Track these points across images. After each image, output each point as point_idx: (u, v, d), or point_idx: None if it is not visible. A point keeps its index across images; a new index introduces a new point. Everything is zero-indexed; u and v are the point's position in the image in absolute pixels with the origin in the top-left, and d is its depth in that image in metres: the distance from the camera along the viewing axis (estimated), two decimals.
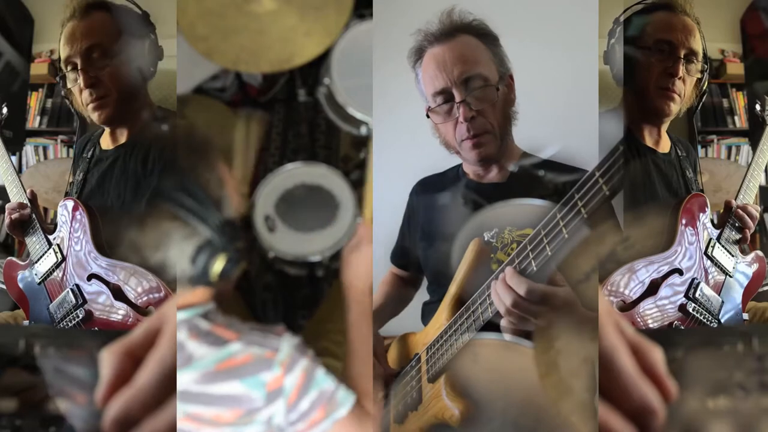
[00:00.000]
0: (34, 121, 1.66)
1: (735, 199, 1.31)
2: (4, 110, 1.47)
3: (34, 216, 1.33)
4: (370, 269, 1.01)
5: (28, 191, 1.35)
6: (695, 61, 1.28)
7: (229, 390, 0.78)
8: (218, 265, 0.80)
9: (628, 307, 1.18)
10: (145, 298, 1.19)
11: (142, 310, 1.18)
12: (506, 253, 1.04)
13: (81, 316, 1.21)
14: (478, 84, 1.11)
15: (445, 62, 1.12)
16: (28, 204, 1.33)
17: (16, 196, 1.35)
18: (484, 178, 1.20)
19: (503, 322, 0.92)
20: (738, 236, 1.28)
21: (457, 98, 1.11)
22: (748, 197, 1.32)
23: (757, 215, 1.31)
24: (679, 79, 1.27)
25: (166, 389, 0.57)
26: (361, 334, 0.97)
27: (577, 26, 1.26)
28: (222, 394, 0.78)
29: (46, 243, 1.30)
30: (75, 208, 1.29)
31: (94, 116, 1.33)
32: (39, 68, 1.62)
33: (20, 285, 1.33)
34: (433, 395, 1.05)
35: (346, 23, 1.15)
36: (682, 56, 1.26)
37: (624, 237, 1.17)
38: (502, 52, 1.16)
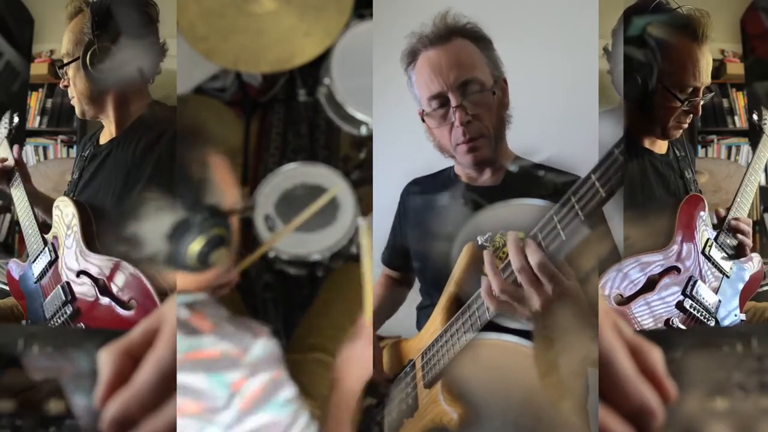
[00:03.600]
0: (34, 121, 1.66)
1: (728, 211, 1.30)
2: (15, 119, 1.48)
3: (17, 170, 1.36)
4: (365, 369, 0.94)
5: (14, 149, 1.39)
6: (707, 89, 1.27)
7: (195, 382, 0.75)
8: (195, 246, 0.77)
9: (625, 301, 1.18)
10: (129, 293, 1.19)
11: (126, 305, 1.18)
12: (497, 256, 1.04)
13: (69, 312, 1.21)
14: (474, 88, 1.10)
15: (440, 66, 1.11)
16: (12, 158, 1.37)
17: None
18: (477, 181, 1.19)
19: (484, 292, 0.91)
20: (734, 242, 1.29)
21: (453, 103, 1.10)
22: (741, 212, 1.31)
23: (749, 230, 1.31)
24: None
25: (164, 389, 0.57)
26: (338, 424, 0.91)
27: (577, 26, 1.26)
28: (187, 385, 0.75)
29: (42, 242, 1.30)
30: (67, 206, 1.30)
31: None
32: (39, 68, 1.62)
33: (19, 285, 1.33)
34: (429, 401, 1.05)
35: (346, 23, 1.16)
36: (701, 95, 1.25)
37: (624, 237, 1.17)
38: (495, 56, 1.15)
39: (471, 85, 1.10)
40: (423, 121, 1.17)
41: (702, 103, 1.26)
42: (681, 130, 1.30)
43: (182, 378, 0.74)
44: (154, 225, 0.76)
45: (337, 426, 0.89)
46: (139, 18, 1.30)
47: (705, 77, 1.25)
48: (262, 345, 0.79)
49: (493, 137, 1.13)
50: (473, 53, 1.12)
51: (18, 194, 1.36)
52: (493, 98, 1.11)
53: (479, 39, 1.14)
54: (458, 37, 1.13)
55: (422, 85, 1.14)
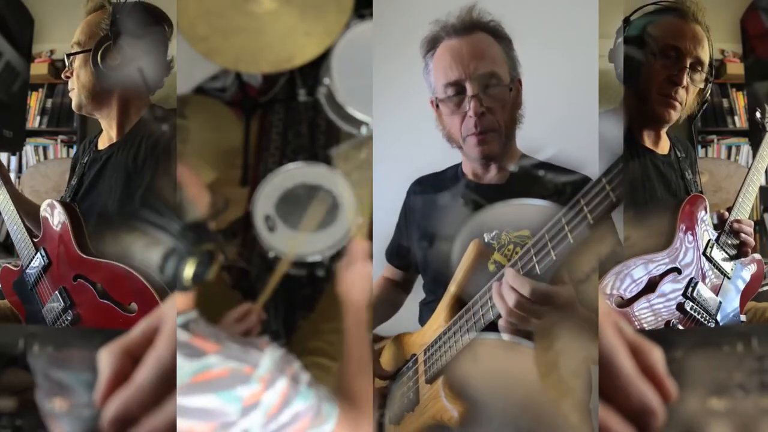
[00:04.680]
0: (34, 121, 1.66)
1: (729, 212, 1.30)
2: None
3: None
4: (366, 283, 1.02)
5: None
6: (700, 70, 1.27)
7: (204, 403, 0.76)
8: (189, 270, 0.77)
9: (626, 303, 1.18)
10: (128, 296, 1.18)
11: (126, 308, 1.17)
12: (503, 254, 1.04)
13: (70, 318, 1.20)
14: (492, 81, 1.11)
15: (462, 55, 1.11)
16: None
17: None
18: (484, 179, 1.19)
19: (501, 323, 0.91)
20: (736, 241, 1.28)
21: (470, 92, 1.10)
22: (743, 212, 1.31)
23: (751, 231, 1.30)
24: (683, 88, 1.26)
25: (164, 388, 0.57)
26: (355, 344, 0.98)
27: (577, 26, 1.26)
28: (197, 407, 0.76)
29: (33, 248, 1.30)
30: (55, 209, 1.29)
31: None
32: (39, 68, 1.62)
33: (14, 291, 1.32)
34: (430, 396, 1.05)
35: (346, 23, 1.15)
36: (687, 65, 1.25)
37: (624, 237, 1.17)
38: (514, 56, 1.16)
39: (490, 77, 1.11)
40: (437, 107, 1.17)
41: (687, 75, 1.25)
42: (671, 111, 1.28)
43: (191, 401, 0.76)
44: (144, 259, 0.76)
45: (358, 344, 0.97)
46: (154, 29, 1.30)
47: (692, 46, 1.25)
48: (269, 356, 0.81)
49: (503, 134, 1.13)
50: (495, 48, 1.13)
51: (0, 198, 1.34)
52: (509, 95, 1.12)
53: (501, 37, 1.14)
54: (481, 32, 1.13)
55: (440, 72, 1.14)
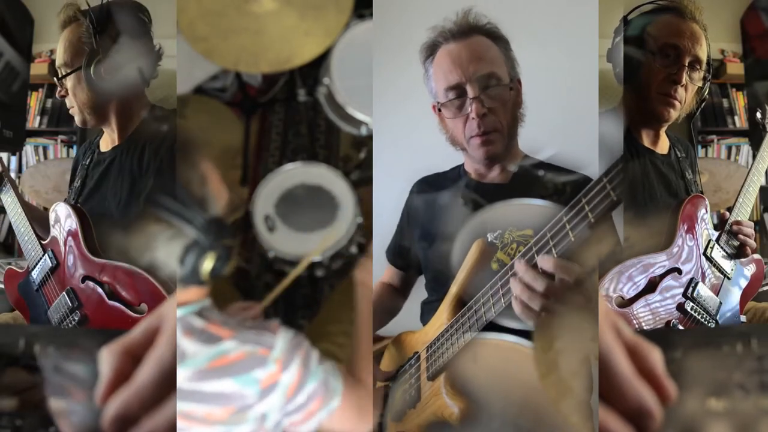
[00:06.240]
0: (34, 121, 1.66)
1: (730, 213, 1.30)
2: None
3: (5, 176, 1.34)
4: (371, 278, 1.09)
5: None
6: (699, 68, 1.27)
7: (222, 388, 0.78)
8: (207, 264, 0.79)
9: (626, 303, 1.18)
10: (139, 297, 1.18)
11: (136, 309, 1.17)
12: (506, 253, 1.04)
13: (77, 319, 1.20)
14: (492, 82, 1.12)
15: (461, 58, 1.12)
16: None
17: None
18: (486, 178, 1.20)
19: (519, 309, 0.89)
20: (736, 242, 1.28)
21: (471, 94, 1.11)
22: (743, 213, 1.31)
23: (752, 232, 1.31)
24: (682, 86, 1.26)
25: (164, 388, 0.57)
26: (366, 328, 1.03)
27: (577, 27, 1.26)
28: (214, 392, 0.78)
29: (41, 249, 1.30)
30: (65, 212, 1.28)
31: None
32: (39, 68, 1.62)
33: (19, 292, 1.32)
34: (432, 393, 1.05)
35: (346, 23, 1.16)
36: (686, 64, 1.26)
37: (624, 237, 1.17)
38: (513, 56, 1.17)
39: (489, 78, 1.12)
40: (439, 111, 1.17)
41: (686, 74, 1.25)
42: (671, 110, 1.28)
43: (209, 386, 0.78)
44: (167, 251, 0.78)
45: (368, 327, 1.04)
46: (137, 21, 1.30)
47: (690, 45, 1.26)
48: (282, 338, 0.84)
49: (506, 134, 1.14)
50: (493, 50, 1.14)
51: (9, 200, 1.34)
52: (510, 94, 1.13)
53: (498, 38, 1.16)
54: (478, 35, 1.15)
55: (440, 76, 1.15)
